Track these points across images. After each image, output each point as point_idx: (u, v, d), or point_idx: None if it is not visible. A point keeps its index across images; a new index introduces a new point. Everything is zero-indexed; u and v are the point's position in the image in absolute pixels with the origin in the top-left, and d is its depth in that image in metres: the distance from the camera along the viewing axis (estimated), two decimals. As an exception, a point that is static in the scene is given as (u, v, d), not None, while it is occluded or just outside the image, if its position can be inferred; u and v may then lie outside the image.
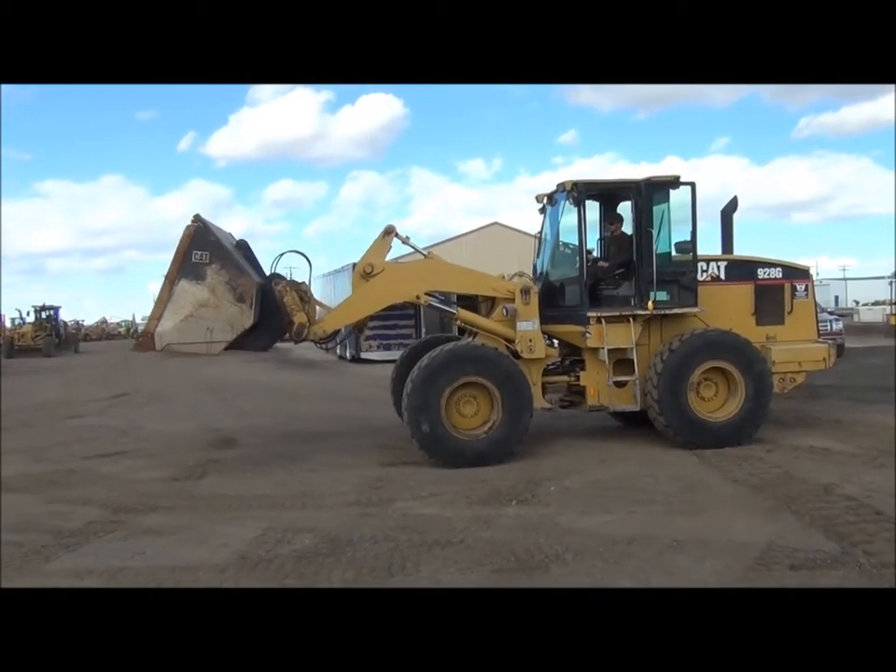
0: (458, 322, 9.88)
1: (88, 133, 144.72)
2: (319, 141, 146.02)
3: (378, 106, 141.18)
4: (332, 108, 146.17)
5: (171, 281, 8.75)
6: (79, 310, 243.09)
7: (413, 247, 10.02)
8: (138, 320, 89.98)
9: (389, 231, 9.62)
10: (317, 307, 9.87)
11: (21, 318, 45.47)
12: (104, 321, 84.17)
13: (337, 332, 9.98)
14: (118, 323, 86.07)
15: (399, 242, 9.79)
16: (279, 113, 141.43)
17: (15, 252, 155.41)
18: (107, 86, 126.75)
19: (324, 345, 10.21)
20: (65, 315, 53.52)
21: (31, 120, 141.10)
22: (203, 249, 8.73)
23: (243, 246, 9.64)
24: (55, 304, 45.38)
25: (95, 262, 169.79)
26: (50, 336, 41.93)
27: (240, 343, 9.18)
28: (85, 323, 76.09)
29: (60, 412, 15.73)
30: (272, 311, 9.02)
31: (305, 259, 9.88)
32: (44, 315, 43.96)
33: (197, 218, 8.86)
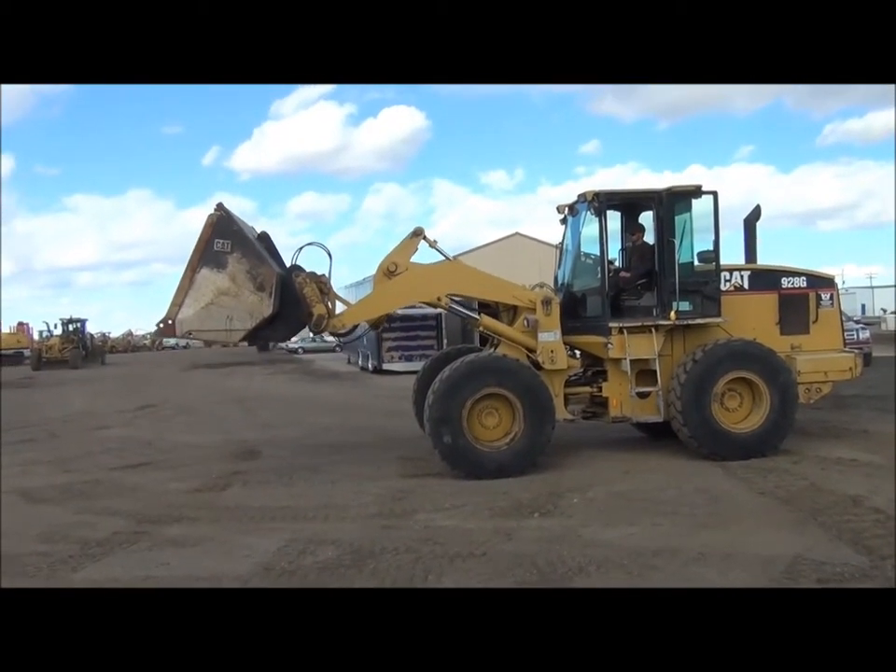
0: (480, 328, 9.85)
1: (115, 148, 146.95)
2: (342, 154, 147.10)
3: (400, 119, 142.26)
4: (355, 121, 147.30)
5: (192, 269, 8.85)
6: (108, 322, 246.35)
7: (439, 251, 9.93)
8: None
9: (418, 233, 9.63)
10: (337, 301, 9.85)
11: (49, 331, 46.15)
12: (129, 333, 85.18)
13: (356, 327, 9.97)
14: (143, 335, 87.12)
15: (427, 245, 9.75)
16: (302, 126, 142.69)
17: (44, 266, 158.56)
18: (133, 101, 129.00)
19: (342, 340, 10.23)
20: (92, 328, 54.41)
21: (59, 136, 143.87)
22: (224, 238, 8.82)
23: (264, 238, 9.71)
24: (82, 317, 46.12)
25: (123, 275, 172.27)
26: (77, 348, 42.57)
27: (260, 334, 9.29)
28: (111, 335, 77.16)
29: (87, 423, 15.95)
30: (291, 302, 9.07)
31: (326, 252, 9.78)
32: (71, 327, 44.60)
33: (219, 207, 8.95)
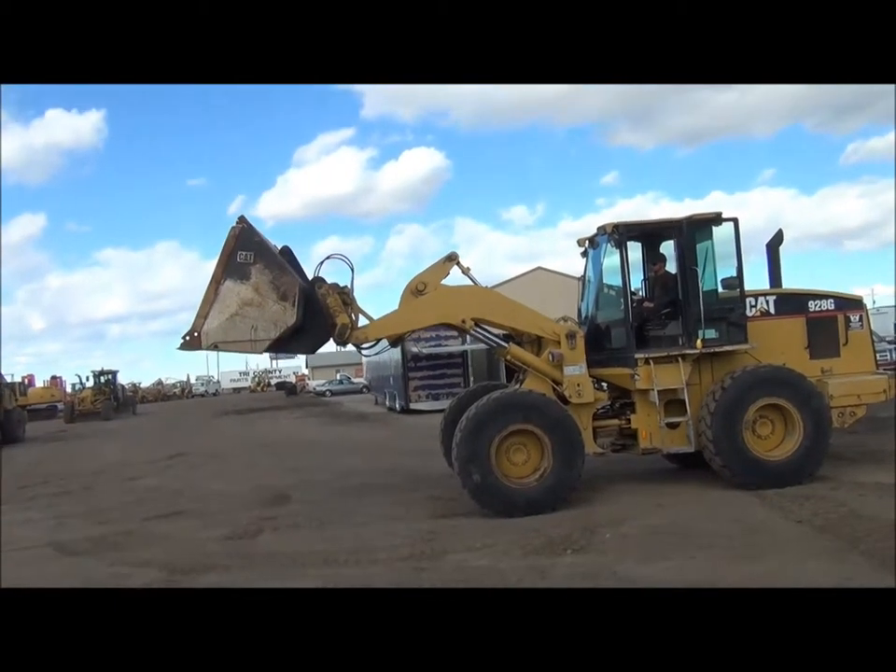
0: (508, 357, 9.76)
1: (143, 202, 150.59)
2: (364, 197, 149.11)
3: (420, 160, 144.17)
4: (376, 165, 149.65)
5: (217, 281, 8.95)
6: (138, 372, 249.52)
7: (471, 278, 9.87)
8: (192, 380, 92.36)
9: (452, 258, 9.65)
10: (360, 315, 9.77)
11: (82, 383, 46.85)
12: (159, 382, 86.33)
13: (379, 342, 9.86)
14: (173, 384, 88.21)
15: (460, 271, 9.74)
16: (325, 172, 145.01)
17: (77, 319, 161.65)
18: (159, 156, 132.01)
19: (365, 353, 10.14)
20: (123, 378, 55.18)
21: (89, 194, 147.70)
22: (247, 249, 8.92)
23: (286, 252, 9.76)
24: (113, 368, 46.87)
25: (152, 325, 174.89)
26: (109, 400, 43.19)
27: (285, 347, 9.36)
28: (142, 385, 78.19)
29: (119, 474, 16.07)
30: (315, 314, 9.15)
31: (348, 264, 9.73)
32: (103, 379, 45.26)
33: (242, 220, 9.06)
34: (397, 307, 9.72)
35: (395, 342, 10.41)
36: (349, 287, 9.61)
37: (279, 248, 9.81)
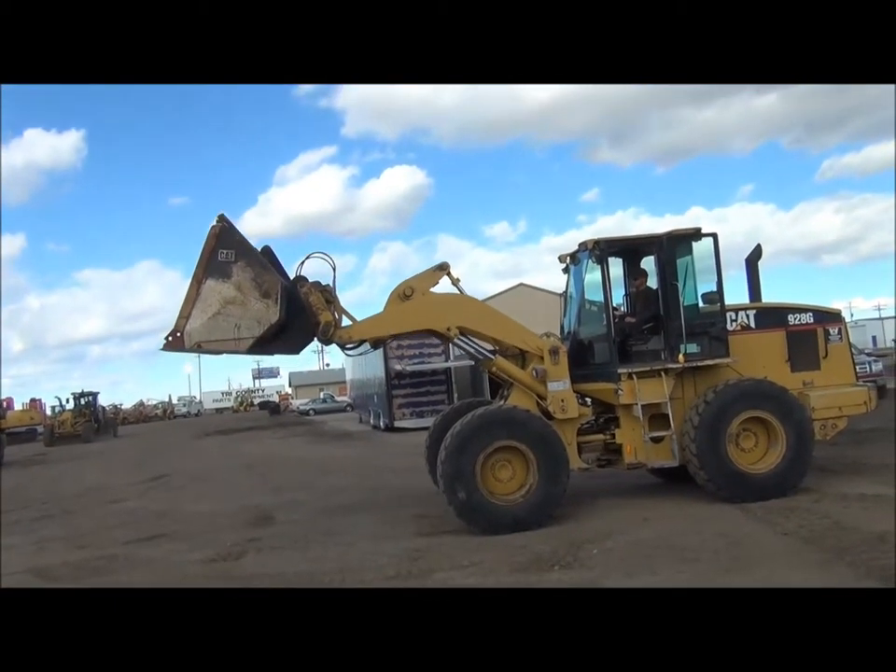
0: (494, 369, 9.75)
1: (123, 221, 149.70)
2: (346, 215, 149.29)
3: (402, 178, 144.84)
4: (357, 182, 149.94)
5: (198, 280, 8.88)
6: (119, 393, 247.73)
7: (459, 290, 9.87)
8: (174, 400, 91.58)
9: (443, 268, 9.66)
10: (343, 315, 9.67)
11: (62, 406, 46.30)
12: (141, 404, 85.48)
13: (363, 343, 9.80)
14: (154, 405, 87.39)
15: (449, 282, 9.75)
16: (306, 190, 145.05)
17: (57, 340, 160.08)
18: (141, 173, 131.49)
19: (348, 352, 10.08)
20: (104, 400, 54.61)
21: (69, 214, 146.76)
22: (228, 248, 8.88)
23: (267, 252, 9.70)
24: (94, 390, 46.28)
25: (133, 346, 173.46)
26: (90, 422, 42.64)
27: (269, 347, 9.29)
28: (123, 406, 77.41)
29: (101, 497, 15.86)
30: (298, 313, 9.12)
31: (330, 263, 9.66)
32: (83, 401, 44.71)
33: (221, 218, 8.99)
34: (382, 310, 9.66)
35: (376, 344, 10.29)
36: (331, 285, 9.56)
37: (260, 248, 9.75)
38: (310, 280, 9.40)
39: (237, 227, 9.14)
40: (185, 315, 8.90)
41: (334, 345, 9.66)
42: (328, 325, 9.20)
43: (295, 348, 9.89)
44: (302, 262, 9.55)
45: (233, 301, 8.85)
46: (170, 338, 8.96)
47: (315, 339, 9.53)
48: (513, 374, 9.57)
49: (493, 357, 9.70)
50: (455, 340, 9.72)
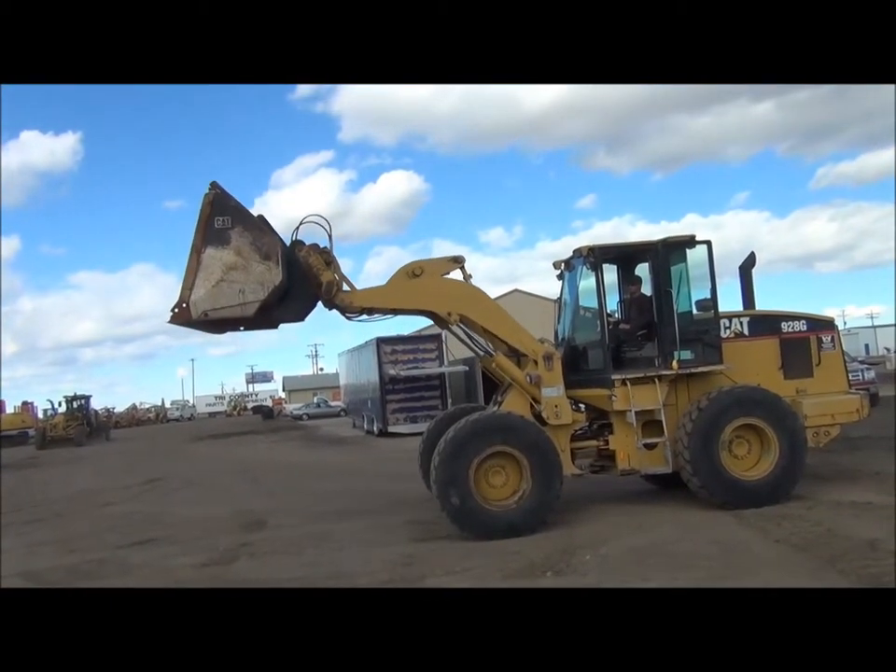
0: (494, 366, 9.69)
1: (119, 224, 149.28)
2: (343, 219, 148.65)
3: (399, 183, 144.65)
4: (354, 187, 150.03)
5: (197, 250, 8.83)
6: (112, 396, 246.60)
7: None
8: (167, 404, 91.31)
9: (457, 260, 9.68)
10: (343, 281, 9.59)
11: (54, 409, 46.12)
12: (133, 407, 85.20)
13: (365, 311, 9.69)
14: (147, 408, 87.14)
15: (462, 276, 9.74)
16: (303, 194, 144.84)
17: (50, 343, 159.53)
18: (137, 176, 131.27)
19: (349, 317, 9.83)
20: (97, 403, 54.41)
21: (64, 217, 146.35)
22: (224, 214, 8.84)
23: (262, 221, 9.50)
24: (86, 393, 46.15)
25: (126, 349, 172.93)
26: (82, 425, 42.45)
27: (274, 315, 9.25)
28: (116, 410, 77.10)
29: (92, 500, 15.79)
30: (300, 278, 9.11)
31: (326, 227, 9.52)
32: (75, 404, 44.54)
33: (214, 186, 8.95)
34: (385, 283, 9.63)
35: (369, 312, 9.96)
36: (329, 247, 9.51)
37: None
38: (307, 244, 9.36)
39: (230, 193, 9.06)
40: (188, 286, 8.83)
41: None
42: (330, 284, 9.17)
43: (300, 314, 9.70)
44: (297, 228, 9.51)
45: (235, 266, 8.81)
46: (176, 310, 8.88)
47: (319, 302, 9.46)
48: (513, 374, 9.55)
49: (494, 353, 9.69)
50: (453, 327, 9.71)
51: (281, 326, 10.10)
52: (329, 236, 9.52)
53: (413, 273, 9.46)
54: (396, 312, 9.95)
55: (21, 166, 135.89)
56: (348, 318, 9.84)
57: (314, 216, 9.54)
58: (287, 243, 9.38)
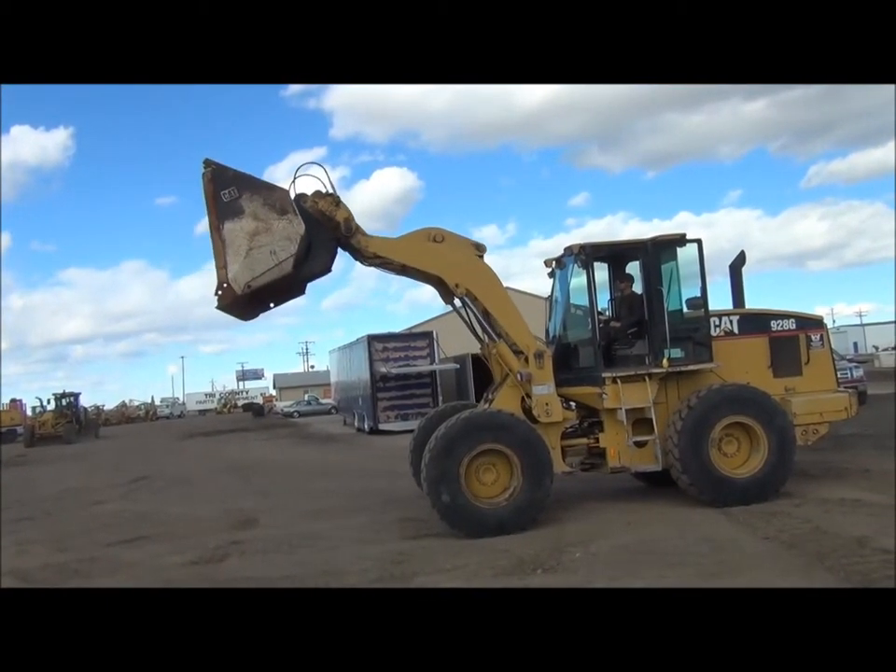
0: (494, 352, 9.70)
1: (110, 221, 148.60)
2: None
3: (392, 180, 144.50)
4: (347, 184, 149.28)
5: (216, 229, 8.82)
6: (101, 394, 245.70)
7: None
8: (157, 402, 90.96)
9: (479, 248, 9.77)
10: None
11: (43, 406, 45.84)
12: (123, 405, 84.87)
13: (375, 259, 9.62)
14: (137, 406, 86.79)
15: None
16: (295, 191, 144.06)
17: (39, 340, 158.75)
18: (129, 172, 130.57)
19: (362, 261, 9.78)
20: (86, 400, 54.15)
21: (55, 213, 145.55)
22: (228, 186, 8.83)
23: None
24: (75, 391, 45.81)
25: (117, 346, 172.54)
26: (71, 423, 42.17)
27: (307, 269, 9.20)
28: (105, 407, 76.75)
29: (82, 499, 15.71)
30: (314, 228, 9.10)
31: (324, 172, 9.54)
32: (64, 402, 44.25)
33: (208, 162, 8.92)
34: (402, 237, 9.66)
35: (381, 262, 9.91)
36: (332, 189, 9.46)
37: None
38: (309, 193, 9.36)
39: (226, 164, 9.02)
40: (221, 265, 8.81)
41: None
42: (348, 221, 9.22)
43: (327, 263, 9.60)
44: (293, 182, 9.41)
45: (257, 231, 8.79)
46: (219, 292, 8.84)
47: (339, 246, 9.45)
48: (510, 365, 9.54)
49: (497, 340, 9.69)
50: (456, 301, 9.74)
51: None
52: (330, 180, 9.51)
53: (433, 237, 9.50)
54: (405, 269, 9.90)
55: (12, 162, 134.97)
56: (361, 262, 9.81)
57: (306, 164, 9.58)
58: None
